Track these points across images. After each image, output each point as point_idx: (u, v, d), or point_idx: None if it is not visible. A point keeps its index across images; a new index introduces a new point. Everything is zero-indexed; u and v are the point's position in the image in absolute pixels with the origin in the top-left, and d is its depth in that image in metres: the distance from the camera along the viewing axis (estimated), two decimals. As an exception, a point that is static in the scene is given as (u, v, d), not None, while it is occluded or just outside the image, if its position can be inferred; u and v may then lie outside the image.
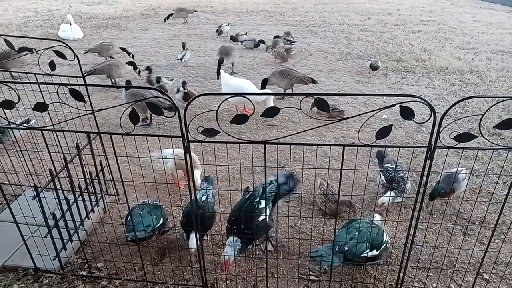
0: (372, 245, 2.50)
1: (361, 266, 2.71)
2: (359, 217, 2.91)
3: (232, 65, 7.20)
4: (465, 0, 16.51)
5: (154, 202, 2.91)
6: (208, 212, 2.77)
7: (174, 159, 3.20)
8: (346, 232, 2.57)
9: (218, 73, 6.06)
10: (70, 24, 9.34)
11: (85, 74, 6.15)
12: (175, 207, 3.29)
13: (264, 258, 2.72)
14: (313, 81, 5.82)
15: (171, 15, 11.29)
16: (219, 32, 9.73)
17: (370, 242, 2.49)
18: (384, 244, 2.56)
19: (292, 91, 5.94)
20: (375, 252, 2.51)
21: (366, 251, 2.49)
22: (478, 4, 15.64)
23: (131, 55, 7.42)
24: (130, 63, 6.43)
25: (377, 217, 2.85)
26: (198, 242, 2.50)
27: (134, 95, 4.76)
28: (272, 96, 5.17)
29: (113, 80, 6.43)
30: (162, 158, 3.32)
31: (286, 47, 7.87)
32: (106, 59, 7.22)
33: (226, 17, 12.50)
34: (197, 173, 3.37)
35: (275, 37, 8.80)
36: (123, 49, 7.40)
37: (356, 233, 2.53)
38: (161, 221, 2.77)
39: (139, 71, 6.63)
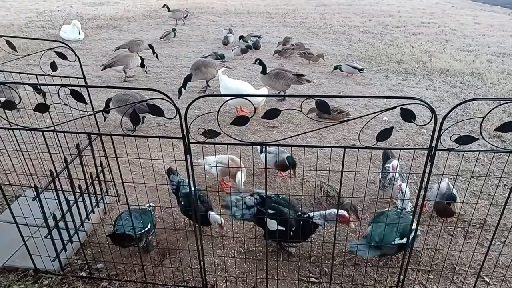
0: (401, 234, 2.55)
1: (390, 255, 2.76)
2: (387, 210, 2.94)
3: (207, 83, 6.27)
4: (465, 2, 16.52)
5: (147, 205, 2.95)
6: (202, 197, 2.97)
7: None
8: (377, 225, 2.62)
9: (180, 92, 5.49)
10: (80, 34, 9.46)
11: (102, 68, 6.40)
12: (175, 208, 3.29)
13: (264, 260, 2.71)
14: (308, 81, 5.81)
15: (167, 7, 11.51)
16: (225, 43, 9.05)
17: (400, 231, 2.55)
18: (414, 232, 2.60)
19: (285, 93, 5.97)
20: (404, 240, 2.56)
21: (397, 239, 2.54)
22: (479, 6, 15.64)
23: (155, 54, 7.56)
24: (140, 58, 6.67)
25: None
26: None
27: (118, 101, 4.63)
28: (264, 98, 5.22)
29: (127, 72, 6.67)
30: (204, 166, 3.50)
31: (306, 50, 7.89)
32: (129, 50, 7.50)
33: (227, 18, 12.51)
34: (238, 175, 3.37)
35: (240, 37, 9.11)
36: (150, 46, 7.53)
37: (386, 224, 2.59)
38: (149, 226, 2.74)
39: (146, 68, 6.80)
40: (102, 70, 6.50)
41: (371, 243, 2.55)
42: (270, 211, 2.70)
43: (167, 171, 3.23)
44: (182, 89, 5.55)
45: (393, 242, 2.53)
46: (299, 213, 2.77)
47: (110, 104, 4.74)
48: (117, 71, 6.66)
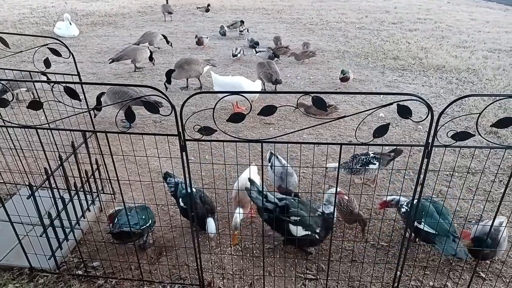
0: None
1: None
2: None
3: (187, 81, 6.19)
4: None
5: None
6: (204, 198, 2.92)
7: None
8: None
9: (166, 86, 5.64)
10: (71, 24, 9.34)
11: (110, 61, 6.54)
12: (172, 206, 3.28)
13: (261, 257, 2.71)
14: (271, 81, 5.60)
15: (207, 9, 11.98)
16: (222, 33, 9.46)
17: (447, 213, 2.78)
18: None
19: (276, 88, 5.95)
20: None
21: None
22: (475, 2, 15.67)
23: (169, 43, 8.00)
24: (149, 51, 6.89)
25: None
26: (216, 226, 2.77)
27: (116, 93, 4.56)
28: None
29: (136, 65, 6.86)
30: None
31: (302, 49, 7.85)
32: (149, 44, 7.94)
33: (223, 14, 12.45)
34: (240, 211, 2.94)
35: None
36: (164, 37, 7.98)
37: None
38: (149, 222, 2.74)
39: (154, 61, 6.99)
40: (110, 63, 6.66)
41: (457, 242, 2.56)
42: (293, 218, 2.63)
43: (164, 175, 3.19)
44: (167, 83, 5.65)
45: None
46: (319, 212, 2.75)
47: (103, 98, 4.67)
48: (112, 69, 6.65)
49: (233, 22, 10.05)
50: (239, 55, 7.66)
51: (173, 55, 7.98)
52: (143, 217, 2.71)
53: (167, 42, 7.95)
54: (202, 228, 2.87)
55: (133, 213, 2.69)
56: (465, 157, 4.17)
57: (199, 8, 12.19)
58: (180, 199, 2.93)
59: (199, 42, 8.34)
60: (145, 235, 2.75)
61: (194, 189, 2.91)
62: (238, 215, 2.83)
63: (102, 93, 4.70)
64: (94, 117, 4.92)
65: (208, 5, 12.22)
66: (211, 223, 2.81)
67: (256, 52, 7.51)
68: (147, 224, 2.71)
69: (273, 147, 4.17)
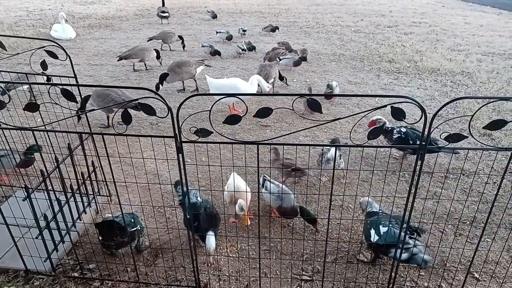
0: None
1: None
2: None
3: (183, 83, 6.18)
4: (456, 2, 16.70)
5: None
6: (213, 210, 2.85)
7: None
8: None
9: (157, 87, 5.59)
10: (66, 21, 9.37)
11: (118, 59, 6.72)
12: (168, 208, 3.28)
13: (257, 258, 2.72)
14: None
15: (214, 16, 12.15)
16: (229, 38, 9.33)
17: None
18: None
19: (273, 90, 6.00)
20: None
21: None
22: (469, 6, 15.83)
23: (183, 44, 8.50)
24: (155, 51, 7.08)
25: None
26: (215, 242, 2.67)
27: (99, 96, 4.47)
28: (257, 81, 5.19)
29: (145, 64, 7.14)
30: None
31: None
32: (163, 42, 8.43)
33: (220, 17, 12.48)
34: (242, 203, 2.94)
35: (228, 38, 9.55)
36: (180, 37, 8.47)
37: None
38: (138, 227, 2.74)
39: (161, 60, 7.22)
40: (118, 60, 6.81)
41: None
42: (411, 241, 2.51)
43: (175, 183, 3.16)
44: (160, 85, 5.67)
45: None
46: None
47: (90, 100, 4.60)
48: (108, 71, 6.66)
49: (266, 26, 10.40)
50: (242, 52, 8.06)
51: (169, 58, 7.98)
52: (132, 220, 2.71)
53: (182, 42, 8.43)
54: (202, 240, 2.75)
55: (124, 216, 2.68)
56: (459, 159, 4.20)
57: (209, 12, 12.27)
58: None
59: (219, 53, 8.06)
60: (135, 240, 2.73)
61: (200, 199, 2.88)
62: (239, 201, 2.85)
63: (88, 96, 4.59)
64: (78, 121, 4.56)
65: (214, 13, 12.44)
66: (210, 240, 2.64)
67: (280, 60, 7.22)
68: (136, 228, 2.70)
69: (268, 149, 4.19)
